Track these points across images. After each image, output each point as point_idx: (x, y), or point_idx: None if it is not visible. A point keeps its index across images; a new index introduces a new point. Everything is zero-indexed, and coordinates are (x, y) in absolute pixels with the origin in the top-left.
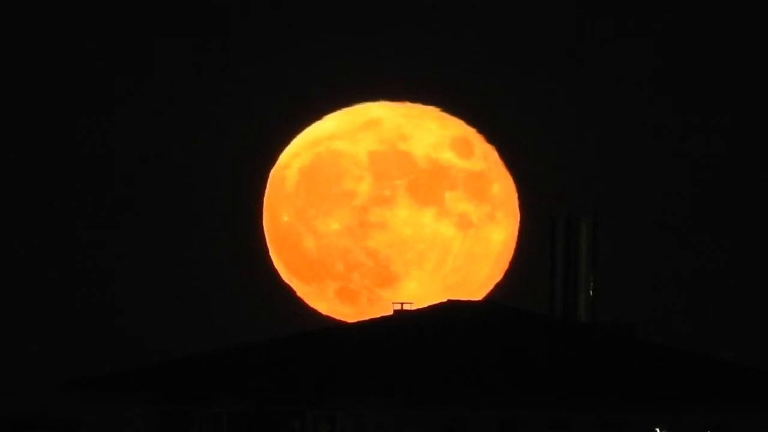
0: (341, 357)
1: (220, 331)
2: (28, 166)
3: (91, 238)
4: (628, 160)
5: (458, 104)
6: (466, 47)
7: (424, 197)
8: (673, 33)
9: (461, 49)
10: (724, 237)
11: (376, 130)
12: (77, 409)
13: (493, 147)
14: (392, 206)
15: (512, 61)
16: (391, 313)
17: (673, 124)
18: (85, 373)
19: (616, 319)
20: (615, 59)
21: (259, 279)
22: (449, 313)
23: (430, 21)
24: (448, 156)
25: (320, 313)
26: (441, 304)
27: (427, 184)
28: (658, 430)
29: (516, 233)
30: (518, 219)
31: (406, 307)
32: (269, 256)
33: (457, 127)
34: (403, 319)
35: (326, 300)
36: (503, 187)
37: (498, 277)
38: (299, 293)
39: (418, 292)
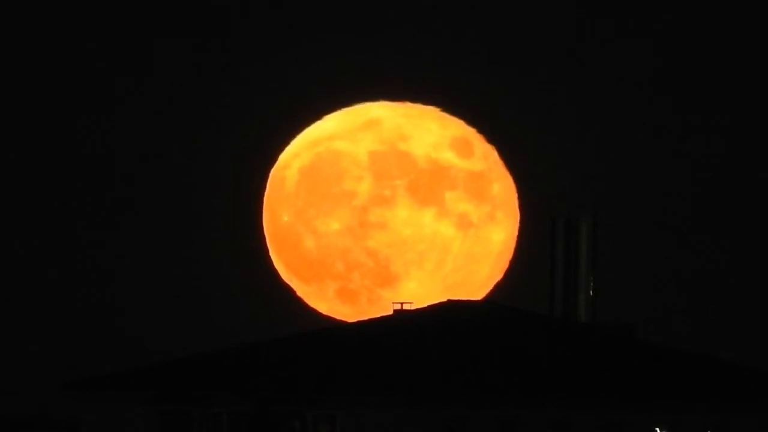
0: (341, 357)
1: (220, 331)
2: (28, 166)
3: (91, 238)
4: (628, 160)
5: (458, 104)
6: (466, 47)
7: (424, 197)
8: (673, 33)
9: (461, 49)
10: (724, 237)
11: (376, 130)
12: (77, 409)
13: (493, 147)
14: (392, 206)
15: (512, 61)
16: (391, 313)
17: (673, 124)
18: (85, 373)
19: (616, 319)
20: (615, 59)
21: (259, 279)
22: (449, 313)
23: (430, 21)
24: (448, 156)
25: (320, 313)
26: (441, 304)
27: (427, 184)
28: (658, 430)
29: (516, 233)
30: (518, 219)
31: (406, 307)
32: (269, 256)
33: (457, 127)
34: (403, 319)
35: (326, 300)
36: (503, 187)
37: (498, 277)
38: (299, 293)
39: (418, 292)
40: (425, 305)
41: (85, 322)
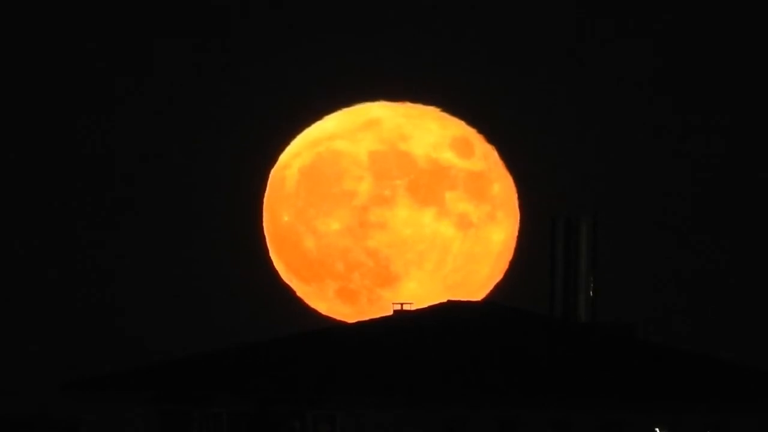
0: (341, 357)
1: (220, 331)
2: (28, 166)
3: (91, 238)
4: (628, 160)
5: (458, 104)
6: (466, 47)
7: (424, 197)
8: (673, 33)
9: (461, 49)
10: (724, 237)
11: (376, 130)
12: (77, 409)
13: (493, 147)
14: (392, 206)
15: (512, 61)
16: (391, 313)
17: (673, 124)
18: (85, 373)
19: (616, 319)
20: (615, 59)
21: (259, 279)
22: (449, 313)
23: (430, 21)
24: (448, 156)
25: (320, 313)
26: (441, 304)
27: (427, 184)
28: (658, 430)
29: (516, 233)
30: (518, 219)
31: (406, 307)
32: (269, 256)
33: (457, 127)
34: (403, 319)
35: (326, 300)
36: (503, 187)
37: (498, 277)
38: (299, 293)
39: (418, 292)
40: (425, 305)
41: (85, 322)
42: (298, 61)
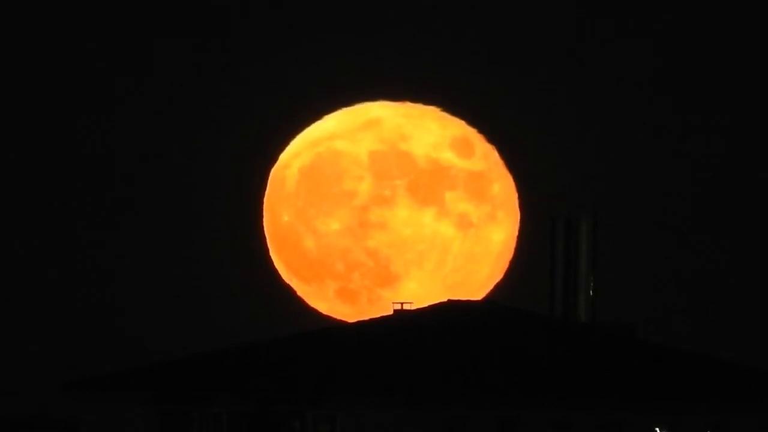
0: (341, 357)
1: (220, 331)
2: (28, 166)
3: (91, 238)
4: (628, 160)
5: (458, 104)
6: (466, 47)
7: (424, 197)
8: (673, 33)
9: (461, 49)
10: (724, 237)
11: (376, 130)
12: (77, 409)
13: (493, 147)
14: (392, 206)
15: (512, 61)
16: (391, 313)
17: (673, 124)
18: (85, 373)
19: (616, 319)
20: (615, 59)
21: (259, 279)
22: (449, 313)
23: (430, 21)
24: (448, 156)
25: (320, 313)
26: (441, 304)
27: (427, 184)
28: (658, 430)
29: (516, 233)
30: (518, 219)
31: (406, 307)
32: (269, 256)
33: (457, 127)
34: (403, 319)
35: (326, 300)
36: (503, 187)
37: (498, 277)
38: (299, 293)
39: (418, 292)
40: (425, 305)
41: (85, 322)
42: (298, 61)
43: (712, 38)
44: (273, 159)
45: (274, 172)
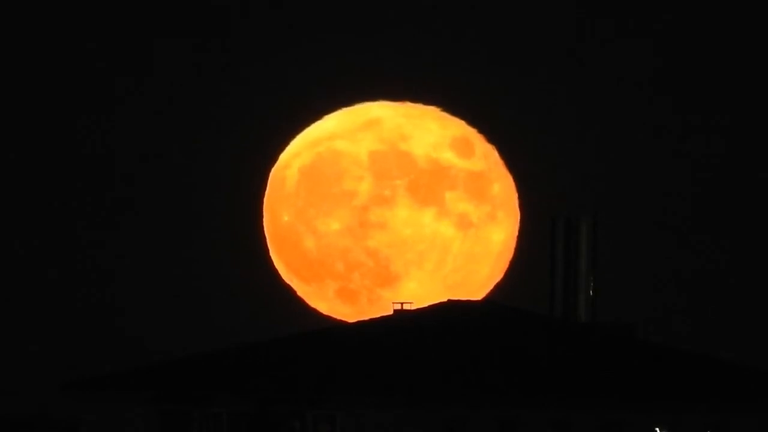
0: (341, 357)
1: (220, 331)
2: (28, 166)
3: (91, 238)
4: (628, 160)
5: (458, 104)
6: (466, 47)
7: (424, 197)
8: (673, 33)
9: (461, 49)
10: (724, 237)
11: (376, 130)
12: (77, 409)
13: (493, 147)
14: (392, 206)
15: (512, 61)
16: (391, 313)
17: (673, 124)
18: (85, 373)
19: (616, 319)
20: (615, 59)
21: (259, 279)
22: (449, 313)
23: (430, 21)
24: (448, 156)
25: (320, 313)
26: (441, 304)
27: (427, 184)
28: (658, 430)
29: (516, 233)
30: (518, 219)
31: (406, 307)
32: (269, 256)
33: (457, 127)
34: (403, 319)
35: (326, 300)
36: (503, 187)
37: (498, 277)
38: (299, 293)
39: (418, 292)
40: (425, 305)
41: (85, 322)
42: (298, 61)
43: (712, 38)
44: (273, 159)
45: (274, 172)
